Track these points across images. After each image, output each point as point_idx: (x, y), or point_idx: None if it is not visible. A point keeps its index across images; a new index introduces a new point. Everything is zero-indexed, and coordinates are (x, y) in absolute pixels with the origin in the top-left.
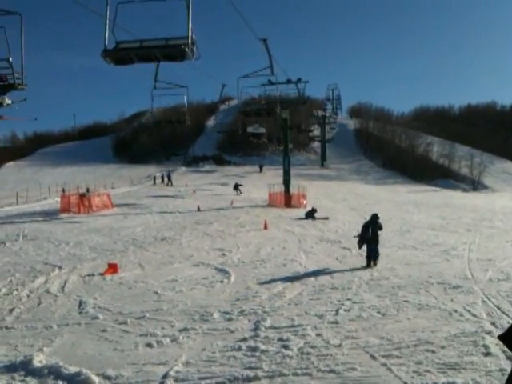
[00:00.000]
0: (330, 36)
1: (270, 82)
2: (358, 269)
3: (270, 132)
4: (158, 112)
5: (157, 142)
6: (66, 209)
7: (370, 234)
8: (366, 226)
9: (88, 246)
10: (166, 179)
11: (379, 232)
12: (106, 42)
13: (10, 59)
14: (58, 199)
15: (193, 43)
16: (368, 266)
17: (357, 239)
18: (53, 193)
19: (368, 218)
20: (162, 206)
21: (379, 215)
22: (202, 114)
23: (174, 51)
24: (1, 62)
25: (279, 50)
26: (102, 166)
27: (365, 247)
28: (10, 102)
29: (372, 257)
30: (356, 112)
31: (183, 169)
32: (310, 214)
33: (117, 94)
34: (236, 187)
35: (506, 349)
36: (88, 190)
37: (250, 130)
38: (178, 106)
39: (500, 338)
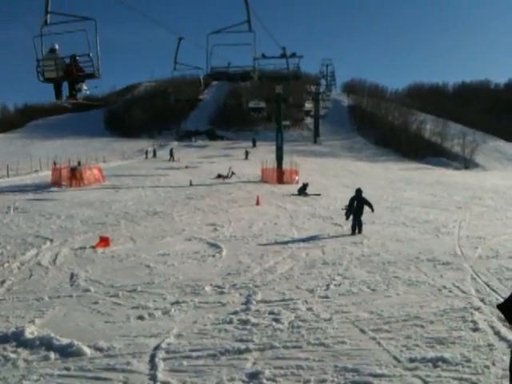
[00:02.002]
0: (323, 10)
1: (264, 56)
2: (349, 245)
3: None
4: (155, 84)
5: (149, 115)
6: (57, 182)
7: (355, 207)
8: (352, 200)
9: (79, 219)
10: (169, 155)
11: (368, 207)
12: None
13: (91, 54)
14: (50, 172)
15: None
16: (353, 233)
17: (344, 211)
18: (44, 166)
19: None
20: (153, 181)
21: (362, 189)
22: (195, 88)
23: None
24: (83, 57)
25: (272, 24)
26: (93, 139)
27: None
28: (86, 88)
29: (356, 226)
30: (350, 88)
31: (175, 143)
32: (302, 190)
33: (108, 66)
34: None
35: (494, 324)
36: (79, 164)
37: (251, 104)
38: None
39: (499, 307)
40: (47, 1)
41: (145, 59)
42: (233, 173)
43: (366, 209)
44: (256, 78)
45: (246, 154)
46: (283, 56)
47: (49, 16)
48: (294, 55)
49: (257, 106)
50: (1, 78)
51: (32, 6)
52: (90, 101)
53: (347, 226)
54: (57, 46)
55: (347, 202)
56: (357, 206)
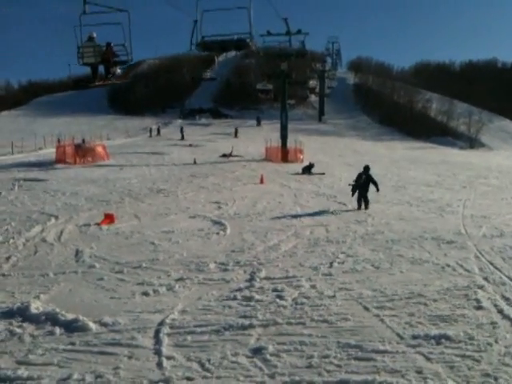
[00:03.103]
0: None
1: (269, 33)
2: (352, 223)
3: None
4: (159, 61)
5: (153, 93)
6: (61, 159)
7: (361, 183)
8: (359, 176)
9: (84, 196)
10: (180, 134)
11: (374, 186)
12: None
13: (125, 44)
14: (54, 150)
15: None
16: (359, 208)
17: (351, 187)
18: (48, 143)
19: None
20: (157, 159)
21: (370, 166)
22: (199, 66)
23: None
24: (118, 46)
25: (279, 3)
26: (97, 116)
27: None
28: (119, 71)
29: (363, 202)
30: (356, 66)
31: (179, 121)
32: (307, 169)
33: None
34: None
35: (498, 303)
36: (83, 141)
37: (258, 86)
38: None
39: None
40: None
41: (148, 36)
42: (230, 154)
43: (372, 188)
44: (253, 46)
45: (236, 131)
46: (288, 33)
47: (87, 6)
48: (299, 32)
49: (264, 88)
50: (5, 54)
51: None
52: (119, 79)
53: (351, 204)
54: (95, 35)
55: (354, 178)
56: (364, 182)
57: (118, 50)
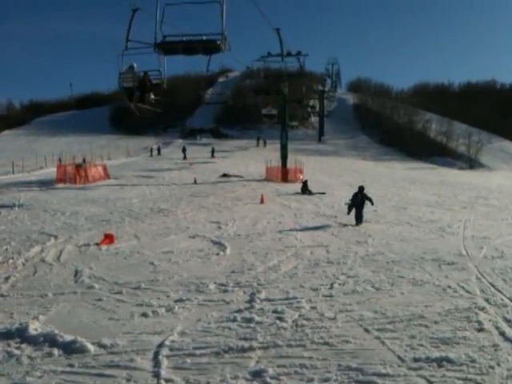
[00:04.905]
0: (329, 10)
1: (270, 54)
2: (353, 244)
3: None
4: (160, 81)
5: (154, 113)
6: (62, 179)
7: (358, 201)
8: (355, 195)
9: (84, 216)
10: (182, 154)
11: (369, 202)
12: None
13: (160, 69)
14: (55, 169)
15: None
16: (357, 224)
17: (347, 206)
18: (49, 162)
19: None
20: (158, 178)
21: (365, 186)
22: (200, 86)
23: None
24: (154, 72)
25: (278, 23)
26: (98, 136)
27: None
28: (153, 97)
29: (358, 218)
30: (355, 87)
31: (180, 141)
32: (304, 189)
33: (114, 62)
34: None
35: (499, 325)
36: (84, 161)
37: (264, 111)
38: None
39: None
40: (128, 32)
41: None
42: (224, 174)
43: (370, 207)
44: (225, 49)
45: (212, 151)
46: (289, 54)
47: (129, 43)
48: (299, 54)
49: (269, 113)
50: (6, 74)
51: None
52: (153, 106)
53: (351, 224)
54: (135, 65)
55: (350, 198)
56: (359, 201)
57: (153, 74)
